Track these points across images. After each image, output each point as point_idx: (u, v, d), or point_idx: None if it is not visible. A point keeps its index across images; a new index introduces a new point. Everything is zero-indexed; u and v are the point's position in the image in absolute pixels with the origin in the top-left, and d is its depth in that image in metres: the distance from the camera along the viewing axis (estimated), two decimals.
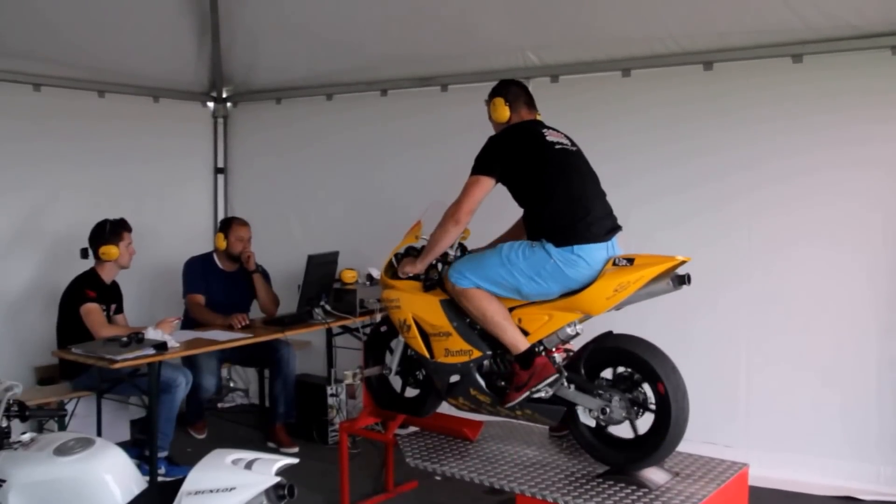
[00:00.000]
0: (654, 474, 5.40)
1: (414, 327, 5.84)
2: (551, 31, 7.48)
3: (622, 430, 5.49)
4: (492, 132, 5.89)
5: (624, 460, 5.43)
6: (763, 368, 6.83)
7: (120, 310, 7.84)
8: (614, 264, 5.25)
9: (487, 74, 7.49)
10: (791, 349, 6.73)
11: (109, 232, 7.55)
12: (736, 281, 6.92)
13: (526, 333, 5.47)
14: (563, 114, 6.76)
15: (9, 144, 8.04)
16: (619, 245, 5.50)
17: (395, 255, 6.18)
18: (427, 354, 5.82)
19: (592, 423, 5.49)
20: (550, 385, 5.33)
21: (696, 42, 6.93)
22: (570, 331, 5.45)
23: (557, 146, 5.60)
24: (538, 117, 6.00)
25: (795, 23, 6.42)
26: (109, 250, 7.52)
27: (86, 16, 8.09)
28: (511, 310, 5.51)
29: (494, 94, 5.92)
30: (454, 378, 5.76)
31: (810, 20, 6.37)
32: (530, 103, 5.97)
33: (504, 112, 5.82)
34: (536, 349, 5.49)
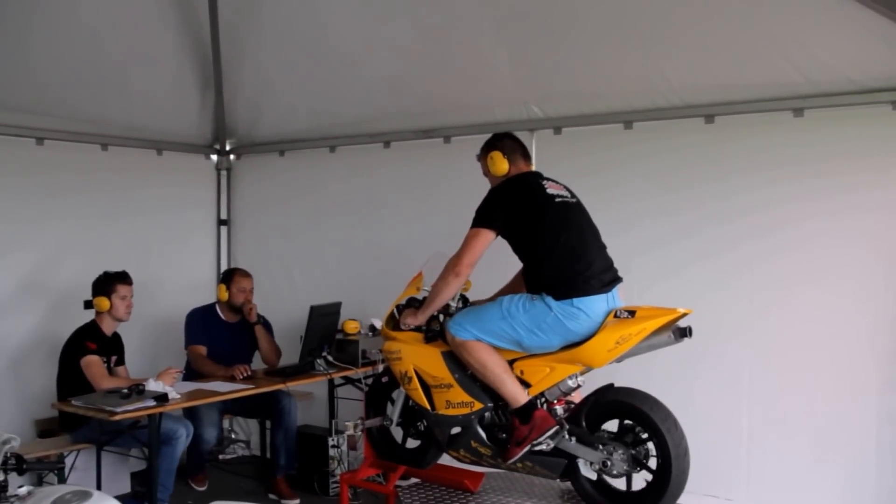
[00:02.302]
0: None
1: (415, 379, 5.84)
2: (554, 83, 7.50)
3: (624, 483, 5.48)
4: None
5: None
6: (765, 421, 6.77)
7: (121, 362, 7.82)
8: (616, 316, 5.27)
9: (491, 126, 7.49)
10: (793, 401, 6.66)
11: (102, 283, 7.55)
12: (737, 331, 6.86)
13: (527, 385, 5.47)
14: (565, 164, 6.85)
15: (11, 198, 8.03)
16: (620, 294, 5.51)
17: (397, 307, 6.19)
18: (428, 406, 5.81)
19: (594, 476, 5.47)
20: (551, 437, 5.32)
21: (698, 95, 6.93)
22: (571, 383, 5.48)
23: (558, 199, 5.63)
24: (532, 168, 6.02)
25: (796, 77, 6.42)
26: (100, 302, 7.52)
27: (88, 69, 8.09)
28: (512, 362, 5.51)
29: (490, 148, 5.94)
30: (455, 430, 5.77)
31: (811, 75, 6.37)
32: (526, 155, 6.01)
33: (503, 165, 5.84)
34: (538, 401, 5.49)
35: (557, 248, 5.48)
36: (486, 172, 5.99)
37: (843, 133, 6.43)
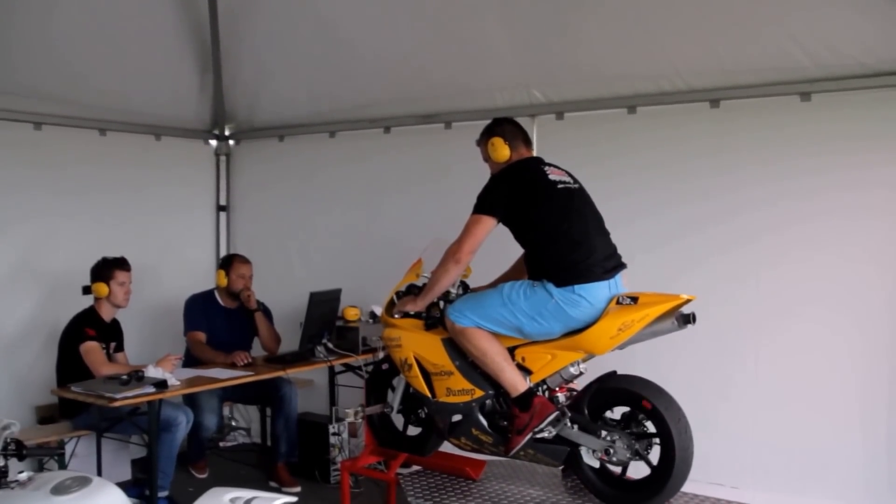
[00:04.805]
0: None
1: (415, 366, 5.80)
2: (556, 68, 7.46)
3: (625, 471, 5.45)
4: None
5: (628, 501, 5.37)
6: (770, 410, 6.74)
7: (120, 348, 7.80)
8: (618, 303, 5.22)
9: (492, 112, 7.44)
10: (799, 390, 6.63)
11: (101, 269, 7.54)
12: (743, 324, 6.83)
13: (529, 372, 5.43)
14: (567, 150, 6.77)
15: (9, 183, 8.01)
16: (624, 282, 5.46)
17: (397, 294, 6.15)
18: (428, 393, 5.78)
19: (596, 464, 5.44)
20: (553, 424, 5.28)
21: (703, 79, 6.86)
22: (573, 370, 5.43)
23: (560, 185, 5.58)
24: (534, 154, 5.97)
25: (804, 60, 6.36)
26: (99, 288, 7.51)
27: (86, 54, 8.07)
28: (513, 349, 5.47)
29: (490, 133, 5.88)
30: (456, 417, 5.73)
31: (819, 58, 6.31)
32: (527, 140, 5.96)
33: (504, 152, 5.78)
34: (540, 388, 5.45)
35: (559, 234, 5.44)
36: (487, 158, 5.94)
37: (852, 118, 6.37)
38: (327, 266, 9.13)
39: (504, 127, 5.92)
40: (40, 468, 7.00)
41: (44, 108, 8.21)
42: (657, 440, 5.27)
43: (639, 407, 5.33)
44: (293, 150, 9.64)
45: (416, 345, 5.84)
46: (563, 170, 5.76)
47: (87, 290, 7.56)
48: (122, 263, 7.59)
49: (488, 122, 6.09)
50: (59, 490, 3.94)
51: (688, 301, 5.14)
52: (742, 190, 6.79)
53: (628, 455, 5.34)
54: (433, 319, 5.89)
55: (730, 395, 6.86)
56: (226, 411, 9.44)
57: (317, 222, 9.40)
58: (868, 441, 6.41)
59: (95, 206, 8.70)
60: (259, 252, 9.01)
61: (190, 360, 8.03)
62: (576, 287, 5.26)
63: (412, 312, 5.96)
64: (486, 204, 5.57)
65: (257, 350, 8.43)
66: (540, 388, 5.50)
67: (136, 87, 8.74)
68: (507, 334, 5.49)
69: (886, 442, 6.37)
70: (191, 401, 7.82)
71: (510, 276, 6.02)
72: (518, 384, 5.36)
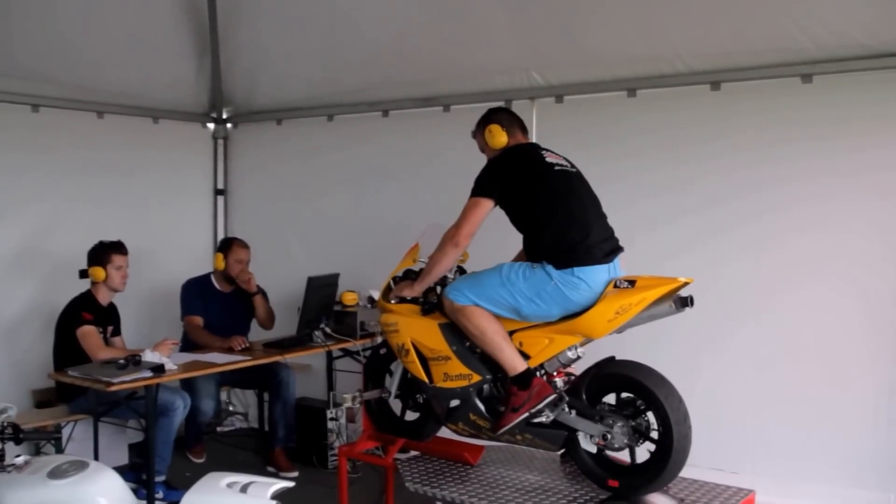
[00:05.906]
0: (659, 501, 5.35)
1: (412, 352, 5.77)
2: (556, 50, 7.42)
3: (625, 456, 5.42)
4: None
5: (626, 487, 5.36)
6: (770, 395, 6.73)
7: (117, 332, 7.79)
8: (616, 286, 5.19)
9: (490, 95, 7.45)
10: (799, 377, 6.62)
11: (98, 253, 7.53)
12: (743, 309, 6.81)
13: (527, 357, 5.40)
14: (567, 134, 6.78)
15: (7, 165, 8.02)
16: (622, 267, 5.43)
17: (393, 279, 6.12)
18: (426, 379, 5.75)
19: (594, 449, 5.42)
20: (550, 407, 5.26)
21: (703, 62, 6.83)
22: (571, 354, 5.40)
23: (557, 168, 5.55)
24: (530, 140, 5.97)
25: (805, 42, 6.33)
26: (96, 272, 7.50)
27: (84, 36, 8.08)
28: (511, 333, 5.44)
29: (487, 122, 5.87)
30: (454, 403, 5.71)
31: (820, 39, 6.28)
32: (523, 128, 5.95)
33: (502, 137, 5.76)
34: (537, 373, 5.42)
35: (557, 216, 5.41)
36: (484, 147, 5.92)
37: (854, 100, 6.34)
38: (325, 250, 9.12)
39: (500, 115, 5.93)
40: (37, 452, 6.98)
41: (42, 91, 8.22)
42: (655, 426, 5.25)
43: (637, 393, 5.31)
44: (291, 134, 9.62)
45: (414, 330, 5.82)
46: (560, 155, 5.74)
47: (84, 274, 7.54)
48: (119, 247, 7.57)
49: (487, 105, 6.09)
50: (55, 474, 3.95)
51: (685, 284, 5.10)
52: (742, 172, 6.77)
53: (626, 441, 5.32)
54: (430, 304, 5.86)
55: (729, 379, 6.85)
56: (223, 396, 9.43)
57: (315, 206, 9.39)
58: (871, 424, 6.40)
59: (93, 189, 8.70)
60: (257, 236, 8.98)
61: (187, 345, 8.02)
62: (575, 269, 5.23)
63: (409, 298, 5.94)
64: (484, 186, 5.56)
65: (254, 334, 8.40)
66: (538, 373, 5.47)
67: (134, 70, 8.74)
68: (504, 315, 5.45)
69: (889, 424, 6.35)
70: (188, 385, 7.81)
71: None
72: (517, 364, 5.33)
